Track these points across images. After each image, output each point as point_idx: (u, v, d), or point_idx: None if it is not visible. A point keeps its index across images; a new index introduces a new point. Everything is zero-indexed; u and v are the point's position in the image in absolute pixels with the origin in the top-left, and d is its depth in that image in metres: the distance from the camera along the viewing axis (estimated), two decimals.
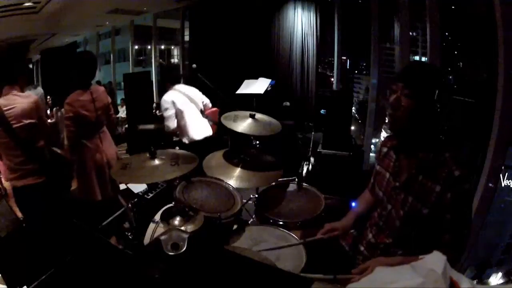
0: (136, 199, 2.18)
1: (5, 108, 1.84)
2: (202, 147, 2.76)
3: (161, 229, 1.55)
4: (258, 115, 2.13)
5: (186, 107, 2.84)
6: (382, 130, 5.46)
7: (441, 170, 1.07)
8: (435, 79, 1.10)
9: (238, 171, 1.93)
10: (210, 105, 3.10)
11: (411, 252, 1.08)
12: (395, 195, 1.21)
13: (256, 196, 2.08)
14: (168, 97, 2.83)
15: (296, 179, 2.02)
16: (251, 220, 2.12)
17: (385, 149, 1.34)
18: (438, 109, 1.08)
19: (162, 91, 3.01)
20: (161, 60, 12.65)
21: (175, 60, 13.29)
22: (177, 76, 3.01)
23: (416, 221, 1.13)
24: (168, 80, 2.97)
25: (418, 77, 1.10)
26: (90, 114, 2.24)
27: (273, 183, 1.99)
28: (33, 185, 1.98)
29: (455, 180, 1.04)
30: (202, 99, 3.01)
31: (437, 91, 1.07)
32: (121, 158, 2.46)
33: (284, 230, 1.59)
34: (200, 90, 3.07)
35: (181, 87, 2.93)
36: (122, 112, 6.89)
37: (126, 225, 2.21)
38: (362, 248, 1.35)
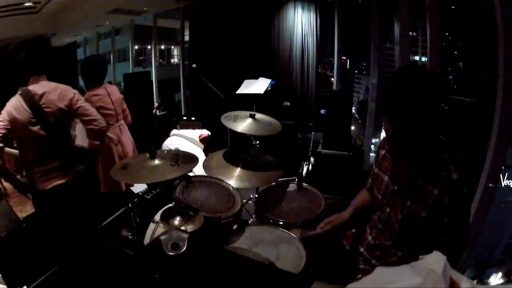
0: (136, 199, 2.18)
1: (39, 93, 1.81)
2: None
3: (161, 229, 1.55)
4: (258, 115, 2.14)
5: (188, 147, 2.86)
6: (382, 130, 5.45)
7: (439, 173, 1.06)
8: (414, 95, 1.04)
9: (238, 171, 1.93)
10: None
11: (410, 253, 1.08)
12: (393, 198, 1.21)
13: (256, 196, 2.08)
14: (170, 142, 2.86)
15: (296, 179, 2.02)
16: (251, 220, 2.12)
17: (383, 152, 1.33)
18: (432, 115, 1.05)
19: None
20: (161, 60, 12.68)
21: (175, 60, 13.32)
22: (175, 122, 3.06)
23: (415, 224, 1.12)
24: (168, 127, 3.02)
25: (392, 104, 1.08)
26: (108, 106, 2.49)
27: (273, 183, 2.00)
28: (62, 185, 1.91)
29: (453, 184, 1.04)
30: (197, 133, 3.05)
31: (424, 101, 1.04)
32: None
33: (284, 230, 1.59)
34: (200, 90, 3.08)
35: (179, 131, 2.96)
36: None
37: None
38: (362, 249, 1.35)
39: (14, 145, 2.21)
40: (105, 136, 2.07)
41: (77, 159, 1.99)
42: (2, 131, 1.73)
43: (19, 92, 1.80)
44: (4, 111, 1.78)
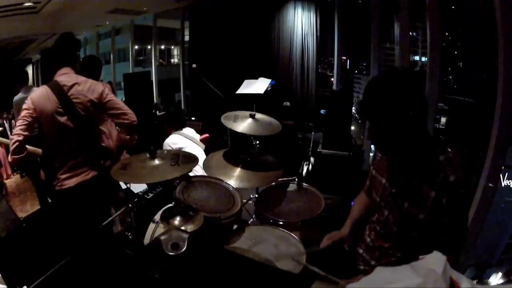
0: (136, 199, 2.18)
1: (68, 84, 1.78)
2: None
3: (161, 229, 1.55)
4: (258, 115, 2.13)
5: (190, 148, 2.84)
6: None
7: (436, 174, 1.05)
8: (387, 100, 1.02)
9: (238, 171, 1.93)
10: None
11: (409, 254, 1.07)
12: (391, 201, 1.20)
13: (256, 196, 2.08)
14: (172, 141, 2.80)
15: (296, 179, 2.02)
16: (251, 220, 2.12)
17: (380, 153, 1.33)
18: (415, 117, 1.04)
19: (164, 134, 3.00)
20: (161, 60, 12.68)
21: (175, 60, 13.33)
22: (182, 120, 3.02)
23: (413, 225, 1.12)
24: (173, 124, 2.96)
25: (369, 109, 1.07)
26: None
27: (273, 183, 1.99)
28: (89, 180, 1.84)
29: (450, 185, 1.02)
30: (198, 135, 3.03)
31: (400, 104, 1.02)
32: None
33: (284, 230, 1.59)
34: (200, 90, 3.05)
35: (182, 130, 2.94)
36: None
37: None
38: (361, 251, 1.35)
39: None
40: (136, 129, 1.99)
41: (104, 155, 1.94)
42: (28, 119, 1.72)
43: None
44: (28, 99, 1.76)
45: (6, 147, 2.52)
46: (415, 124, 1.05)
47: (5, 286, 1.20)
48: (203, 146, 2.92)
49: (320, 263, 1.27)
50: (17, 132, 1.70)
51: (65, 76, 1.82)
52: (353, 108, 4.12)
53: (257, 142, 2.63)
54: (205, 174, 1.98)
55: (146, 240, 1.60)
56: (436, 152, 1.08)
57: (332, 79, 6.04)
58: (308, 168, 3.94)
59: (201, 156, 2.69)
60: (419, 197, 1.09)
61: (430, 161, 1.08)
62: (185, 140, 2.82)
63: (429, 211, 1.07)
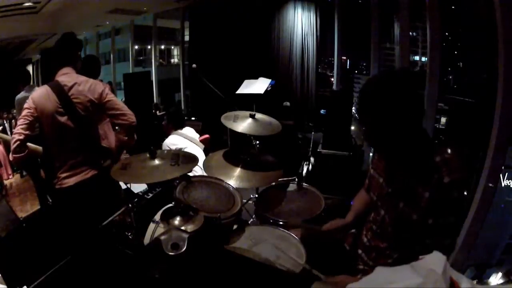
0: (136, 199, 2.18)
1: (68, 84, 1.79)
2: None
3: (161, 229, 1.55)
4: (258, 115, 2.13)
5: (189, 149, 2.83)
6: None
7: (431, 175, 1.03)
8: (383, 100, 1.02)
9: (238, 171, 1.93)
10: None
11: (406, 255, 1.07)
12: (388, 200, 1.20)
13: (256, 196, 2.08)
14: (171, 142, 2.79)
15: (296, 179, 2.02)
16: (251, 220, 2.12)
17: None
18: (411, 117, 1.03)
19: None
20: (161, 60, 12.70)
21: (175, 60, 13.34)
22: (182, 120, 3.02)
23: (407, 226, 1.11)
24: (173, 124, 2.95)
25: (365, 109, 1.07)
26: None
27: (273, 183, 2.00)
28: (88, 179, 1.85)
29: (444, 187, 1.01)
30: (197, 135, 3.03)
31: (397, 105, 1.01)
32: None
33: (284, 230, 1.59)
34: (200, 90, 3.04)
35: (181, 130, 2.93)
36: None
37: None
38: (360, 251, 1.35)
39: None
40: (134, 131, 1.99)
41: (104, 155, 1.94)
42: (29, 118, 1.73)
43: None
44: (29, 99, 1.78)
45: (6, 145, 2.51)
46: (411, 124, 1.05)
47: (5, 286, 1.20)
48: (202, 146, 2.92)
49: (321, 262, 1.27)
50: (18, 131, 1.72)
51: (66, 76, 1.82)
52: (353, 108, 4.12)
53: (257, 142, 2.63)
54: (204, 174, 1.98)
55: (146, 240, 1.60)
56: (433, 153, 1.07)
57: (332, 79, 6.04)
58: (308, 168, 3.94)
59: (200, 156, 2.68)
60: (414, 198, 1.08)
61: (426, 162, 1.07)
62: (184, 140, 2.82)
63: (423, 212, 1.06)
